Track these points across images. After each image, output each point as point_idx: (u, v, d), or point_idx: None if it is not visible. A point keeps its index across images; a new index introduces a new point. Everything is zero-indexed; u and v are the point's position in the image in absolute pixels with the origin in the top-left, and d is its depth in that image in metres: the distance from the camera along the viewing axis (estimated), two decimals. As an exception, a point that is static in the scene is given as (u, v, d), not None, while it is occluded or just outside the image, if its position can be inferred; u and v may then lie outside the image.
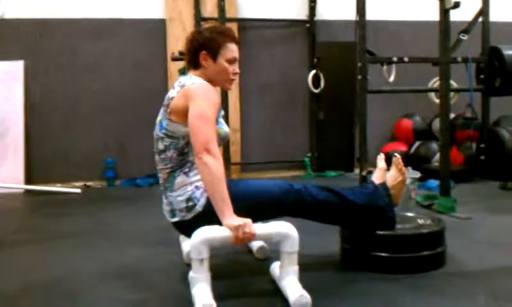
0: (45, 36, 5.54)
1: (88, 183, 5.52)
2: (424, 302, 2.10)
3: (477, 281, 2.31)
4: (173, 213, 2.24)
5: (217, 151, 2.09)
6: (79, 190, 5.13)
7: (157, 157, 2.30)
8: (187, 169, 2.21)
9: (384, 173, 2.57)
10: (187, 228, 2.18)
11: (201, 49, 2.28)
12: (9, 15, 5.44)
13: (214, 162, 2.04)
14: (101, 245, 3.13)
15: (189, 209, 2.17)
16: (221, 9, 5.43)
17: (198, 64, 2.30)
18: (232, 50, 2.31)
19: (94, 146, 5.66)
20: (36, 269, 2.66)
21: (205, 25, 5.50)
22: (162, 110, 2.28)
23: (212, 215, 2.04)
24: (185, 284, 2.15)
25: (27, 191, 5.16)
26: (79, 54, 5.62)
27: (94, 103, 5.67)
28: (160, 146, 2.26)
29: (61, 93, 5.60)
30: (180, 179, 2.21)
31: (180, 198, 2.20)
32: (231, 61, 2.31)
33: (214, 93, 2.21)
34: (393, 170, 2.53)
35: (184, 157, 2.22)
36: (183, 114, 2.16)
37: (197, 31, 2.40)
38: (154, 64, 5.76)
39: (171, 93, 2.24)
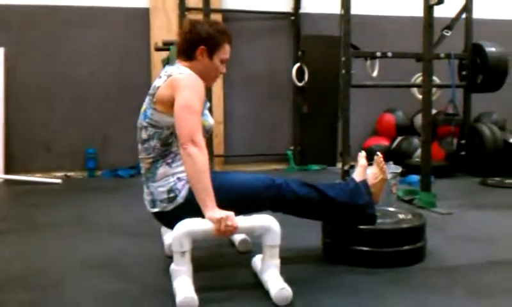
0: (26, 23, 5.45)
1: (68, 174, 5.46)
2: (404, 295, 2.12)
3: (456, 276, 2.34)
4: (153, 203, 2.23)
5: (203, 142, 2.08)
6: (59, 181, 5.08)
7: (139, 146, 2.28)
8: (170, 160, 2.20)
9: (365, 170, 2.58)
10: (167, 218, 2.18)
11: (201, 43, 2.25)
12: (-11, 1, 5.35)
13: (199, 154, 2.03)
14: (82, 236, 3.10)
15: (170, 200, 2.16)
16: (206, -1, 5.38)
17: (193, 56, 2.27)
18: (227, 51, 2.32)
19: (75, 136, 5.61)
20: (16, 259, 2.63)
21: (189, 15, 5.50)
22: (147, 100, 2.26)
23: (193, 207, 2.03)
24: (167, 277, 2.14)
25: (7, 181, 5.09)
26: (62, 43, 5.55)
27: (76, 93, 5.61)
28: (144, 135, 2.24)
29: (43, 81, 5.52)
30: (162, 170, 2.19)
31: (161, 189, 2.18)
32: (223, 61, 2.32)
33: (201, 85, 2.19)
34: (374, 168, 2.55)
35: (167, 148, 2.20)
36: (169, 104, 2.14)
37: (196, 21, 2.33)
38: (137, 53, 5.71)
39: (158, 82, 2.22)
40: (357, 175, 2.56)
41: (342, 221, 2.45)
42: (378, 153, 2.61)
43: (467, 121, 5.32)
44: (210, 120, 2.37)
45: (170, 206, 2.17)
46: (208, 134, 2.38)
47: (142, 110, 2.28)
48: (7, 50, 5.35)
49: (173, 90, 2.14)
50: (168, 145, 2.20)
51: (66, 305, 2.07)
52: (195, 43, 2.26)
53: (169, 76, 2.19)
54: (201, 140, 2.07)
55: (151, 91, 2.23)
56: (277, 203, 2.31)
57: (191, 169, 2.05)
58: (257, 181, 2.30)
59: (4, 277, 2.37)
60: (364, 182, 2.49)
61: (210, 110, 2.52)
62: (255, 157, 6.03)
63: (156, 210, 2.22)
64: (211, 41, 2.26)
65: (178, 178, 2.16)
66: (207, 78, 2.31)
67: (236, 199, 2.18)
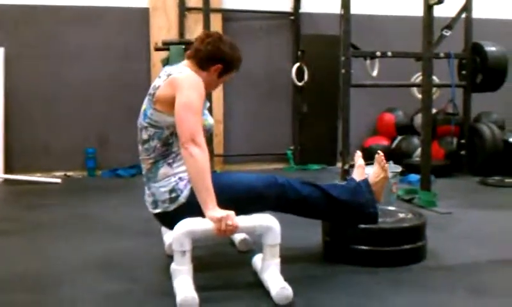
0: (26, 22, 5.45)
1: (68, 174, 5.46)
2: (404, 294, 2.12)
3: (456, 275, 2.34)
4: (155, 204, 2.23)
5: (203, 142, 2.08)
6: (59, 180, 5.07)
7: (140, 147, 2.28)
8: (170, 160, 2.20)
9: (364, 170, 2.59)
10: (169, 219, 2.17)
11: (220, 62, 2.29)
12: (-11, 0, 5.35)
13: (200, 153, 2.03)
14: (82, 236, 3.10)
15: (172, 200, 2.16)
16: (206, -1, 5.39)
17: (206, 68, 2.29)
18: (232, 76, 2.41)
19: (75, 136, 5.60)
20: (16, 260, 2.63)
21: (189, 15, 5.52)
22: (147, 99, 2.26)
23: (195, 207, 2.03)
24: (167, 276, 2.15)
25: (7, 181, 5.09)
26: (61, 42, 5.53)
27: (76, 92, 5.59)
28: (144, 135, 2.24)
29: (42, 81, 5.51)
30: (163, 170, 2.20)
31: (163, 189, 2.18)
32: (223, 81, 2.41)
33: (201, 84, 2.20)
34: (375, 167, 2.55)
35: (167, 148, 2.20)
36: (168, 104, 2.14)
37: (223, 37, 2.35)
38: (137, 53, 5.70)
39: (157, 82, 2.22)
40: (356, 175, 2.57)
41: (344, 220, 2.45)
42: (379, 151, 2.61)
43: (467, 121, 5.32)
44: (210, 120, 2.37)
45: (172, 207, 2.16)
46: (208, 134, 2.39)
47: (142, 110, 2.28)
48: (6, 50, 5.34)
49: (173, 89, 2.14)
50: (168, 145, 2.20)
51: (66, 306, 2.07)
52: (216, 59, 2.29)
53: (168, 75, 2.20)
54: (201, 139, 2.07)
55: (151, 91, 2.23)
56: (280, 202, 2.31)
57: (192, 169, 2.05)
58: (259, 180, 2.30)
59: (4, 277, 2.37)
60: (365, 181, 2.49)
61: (210, 109, 2.53)
62: (254, 157, 6.02)
63: (158, 210, 2.22)
64: (229, 64, 2.32)
65: (180, 178, 2.16)
66: (205, 89, 2.34)
67: (239, 198, 2.18)
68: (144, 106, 2.27)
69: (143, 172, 2.29)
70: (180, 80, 2.16)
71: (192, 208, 2.06)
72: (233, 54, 2.33)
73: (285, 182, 2.31)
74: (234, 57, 2.34)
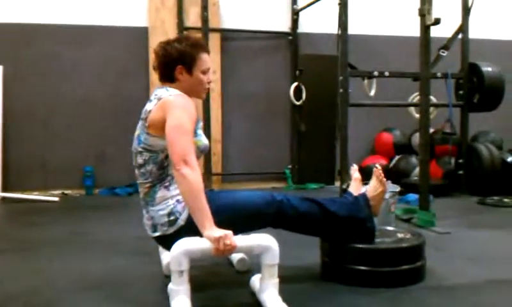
0: (24, 41, 5.48)
1: (66, 192, 5.44)
2: (404, 316, 2.11)
3: (456, 295, 2.33)
4: (154, 227, 2.21)
5: (195, 162, 2.05)
6: (56, 199, 5.06)
7: (136, 171, 2.26)
8: (167, 183, 2.19)
9: (360, 184, 2.59)
10: (169, 242, 2.14)
11: (177, 63, 2.25)
12: (-12, 19, 5.38)
13: (192, 174, 2.01)
14: (79, 254, 3.09)
15: (171, 223, 2.15)
16: (204, 19, 5.44)
17: (174, 78, 2.27)
18: (206, 61, 2.30)
19: (73, 154, 5.60)
20: (12, 279, 2.61)
21: (187, 34, 5.53)
22: (140, 124, 2.25)
23: (194, 229, 2.02)
24: (165, 296, 2.13)
25: (4, 199, 5.07)
26: (59, 61, 5.56)
27: (74, 111, 5.61)
28: (140, 160, 2.23)
29: (41, 99, 5.53)
30: (160, 193, 2.19)
31: (161, 212, 2.17)
32: (205, 72, 2.30)
33: (191, 105, 2.19)
34: (373, 181, 2.55)
35: (163, 171, 2.19)
36: (161, 127, 2.13)
37: (166, 42, 2.32)
38: (136, 72, 5.73)
39: (149, 106, 2.22)
40: (353, 189, 2.57)
41: (342, 236, 2.43)
42: (377, 165, 2.61)
43: (464, 140, 5.34)
44: (204, 140, 2.33)
45: (171, 229, 2.15)
46: (202, 154, 2.37)
47: (136, 135, 2.27)
48: (4, 69, 5.35)
49: (164, 112, 2.13)
50: (164, 168, 2.20)
51: (62, 325, 2.05)
52: (171, 64, 2.25)
53: (159, 99, 2.19)
54: (193, 160, 2.04)
55: (143, 116, 2.23)
56: (278, 219, 2.30)
57: (185, 190, 2.03)
58: (258, 198, 2.29)
59: None
60: (363, 195, 2.49)
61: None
62: (252, 176, 6.02)
63: (157, 234, 2.21)
64: (185, 58, 2.25)
65: (178, 201, 2.15)
66: (195, 93, 2.32)
67: (238, 217, 2.18)
68: (137, 131, 2.26)
69: (140, 195, 2.28)
70: (169, 102, 2.15)
71: (191, 229, 2.04)
72: (181, 46, 2.25)
73: (283, 199, 2.31)
74: (185, 49, 2.25)
